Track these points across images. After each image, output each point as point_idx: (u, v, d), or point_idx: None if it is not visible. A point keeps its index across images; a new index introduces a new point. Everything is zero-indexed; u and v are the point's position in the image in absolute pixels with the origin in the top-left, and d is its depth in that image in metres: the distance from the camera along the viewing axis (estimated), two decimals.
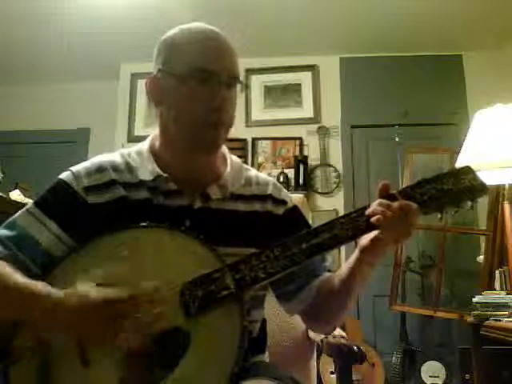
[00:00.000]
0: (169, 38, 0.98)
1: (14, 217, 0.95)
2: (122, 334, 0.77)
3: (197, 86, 0.91)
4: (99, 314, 0.78)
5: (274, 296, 1.07)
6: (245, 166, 1.08)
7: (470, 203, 0.86)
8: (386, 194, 0.87)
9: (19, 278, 0.83)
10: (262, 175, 1.10)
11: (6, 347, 0.82)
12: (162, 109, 0.98)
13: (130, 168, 0.98)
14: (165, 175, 0.96)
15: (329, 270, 1.05)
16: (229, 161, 1.04)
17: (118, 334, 0.77)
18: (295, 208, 1.08)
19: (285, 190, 1.10)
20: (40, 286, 0.82)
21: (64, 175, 0.97)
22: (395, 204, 0.83)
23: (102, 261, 0.88)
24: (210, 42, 0.94)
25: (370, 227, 0.84)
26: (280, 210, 1.04)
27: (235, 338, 0.80)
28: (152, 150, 1.00)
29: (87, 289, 0.80)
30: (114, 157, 1.01)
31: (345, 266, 0.93)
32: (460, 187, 0.86)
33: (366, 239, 0.87)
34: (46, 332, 0.81)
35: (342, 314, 1.03)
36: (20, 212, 0.95)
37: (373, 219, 0.83)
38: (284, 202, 1.06)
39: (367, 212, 0.85)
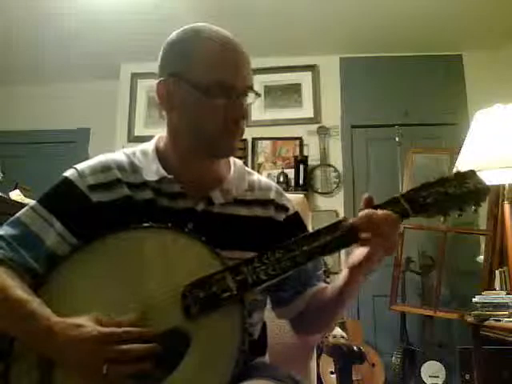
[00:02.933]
0: (183, 41, 0.95)
1: (18, 214, 0.94)
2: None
3: (217, 98, 0.90)
4: (86, 353, 0.77)
5: (270, 302, 1.08)
6: (247, 169, 1.08)
7: (473, 207, 0.86)
8: (369, 207, 0.86)
9: (16, 292, 0.82)
10: (265, 180, 1.10)
11: (7, 346, 0.82)
12: (174, 115, 0.97)
13: (134, 168, 0.98)
14: (170, 176, 0.95)
15: (324, 281, 1.06)
16: (232, 164, 1.04)
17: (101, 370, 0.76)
18: (296, 214, 1.08)
19: (286, 196, 1.10)
20: (35, 305, 0.81)
21: (69, 173, 0.97)
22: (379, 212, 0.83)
23: (103, 262, 0.88)
24: (231, 54, 0.93)
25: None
26: (281, 217, 1.04)
27: (236, 340, 0.80)
28: (157, 152, 1.00)
29: (84, 319, 0.79)
30: (119, 156, 1.00)
31: (336, 282, 0.94)
32: (464, 191, 0.86)
33: (353, 257, 0.87)
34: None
35: (326, 326, 1.06)
36: (24, 209, 0.94)
37: (360, 234, 0.83)
38: (286, 209, 1.06)
39: (352, 222, 0.84)
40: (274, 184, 1.10)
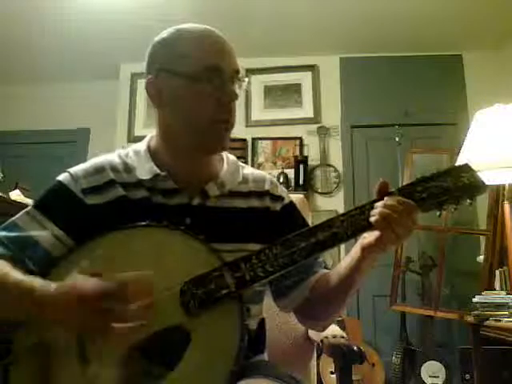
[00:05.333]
0: (167, 39, 0.97)
1: (13, 218, 0.95)
2: (115, 326, 0.75)
3: (206, 84, 0.92)
4: (88, 306, 0.76)
5: (270, 292, 1.07)
6: (240, 163, 1.09)
7: (468, 201, 0.86)
8: (385, 192, 0.87)
9: (17, 275, 0.83)
10: (258, 172, 1.10)
11: (6, 347, 0.82)
12: (164, 110, 0.97)
13: (128, 168, 0.98)
14: (163, 174, 0.96)
15: (325, 267, 1.05)
16: (225, 159, 1.05)
17: (109, 325, 0.75)
18: (291, 204, 1.09)
19: (281, 186, 1.11)
20: (36, 282, 0.81)
21: (62, 177, 0.97)
22: (393, 202, 0.83)
23: (99, 262, 0.88)
24: (212, 40, 0.95)
25: (369, 226, 0.84)
26: (277, 206, 1.05)
27: (235, 337, 0.80)
28: (150, 150, 1.01)
29: (75, 278, 0.79)
30: (112, 157, 1.01)
31: (343, 263, 0.93)
32: (459, 185, 0.86)
33: (367, 238, 0.87)
34: (46, 327, 0.81)
35: (337, 310, 1.03)
36: (20, 214, 0.95)
37: (371, 219, 0.83)
38: (281, 198, 1.07)
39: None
40: (267, 175, 1.10)
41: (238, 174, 1.05)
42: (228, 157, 1.06)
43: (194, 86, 0.92)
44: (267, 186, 1.06)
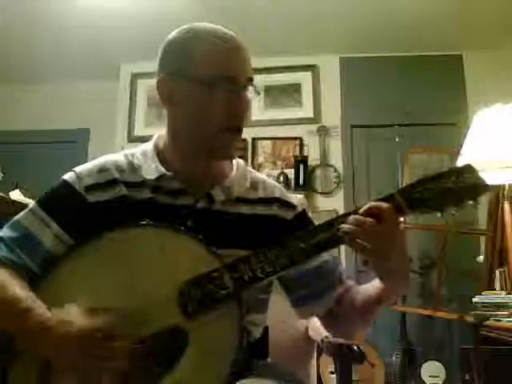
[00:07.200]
0: (182, 40, 0.95)
1: (17, 216, 0.95)
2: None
3: (220, 91, 0.91)
4: (80, 349, 0.78)
5: (288, 299, 1.05)
6: (250, 169, 1.08)
7: (471, 202, 0.85)
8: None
9: (13, 289, 0.83)
10: (269, 179, 1.09)
11: (6, 345, 0.82)
12: (174, 111, 0.97)
13: (133, 168, 0.98)
14: (169, 174, 0.95)
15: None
16: (235, 163, 1.04)
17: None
18: (304, 213, 1.07)
19: (292, 195, 1.09)
20: (29, 303, 0.81)
21: (67, 176, 0.98)
22: (357, 216, 0.80)
23: (100, 261, 0.88)
24: (231, 47, 0.93)
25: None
26: (289, 215, 1.03)
27: (234, 338, 0.80)
28: (157, 150, 1.00)
29: (74, 314, 0.80)
30: (118, 157, 1.01)
31: (375, 288, 0.92)
32: (461, 186, 0.83)
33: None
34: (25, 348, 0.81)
35: (365, 326, 1.03)
36: (23, 212, 0.96)
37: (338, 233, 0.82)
38: (293, 206, 1.05)
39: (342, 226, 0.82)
40: (278, 184, 1.09)
41: (246, 179, 1.03)
42: (238, 161, 1.05)
43: (207, 92, 0.91)
44: (277, 194, 1.04)
